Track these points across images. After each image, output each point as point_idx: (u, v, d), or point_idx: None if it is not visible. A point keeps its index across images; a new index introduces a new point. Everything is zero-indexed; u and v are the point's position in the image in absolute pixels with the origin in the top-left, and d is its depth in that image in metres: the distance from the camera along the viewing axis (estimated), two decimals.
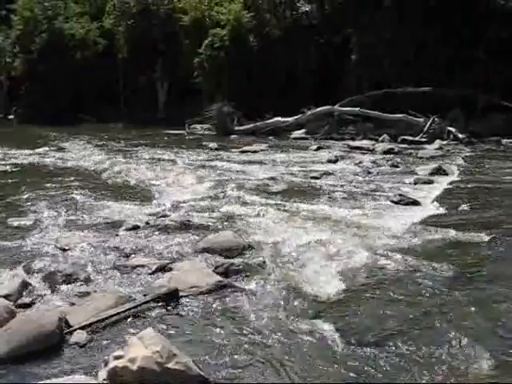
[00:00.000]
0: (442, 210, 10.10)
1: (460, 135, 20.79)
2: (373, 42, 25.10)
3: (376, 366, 4.70)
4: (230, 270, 6.79)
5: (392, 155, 17.60)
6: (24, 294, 6.16)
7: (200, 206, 10.36)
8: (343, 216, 9.48)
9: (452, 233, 8.37)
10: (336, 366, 4.71)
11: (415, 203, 10.56)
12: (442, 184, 12.65)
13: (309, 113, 23.51)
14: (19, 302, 5.92)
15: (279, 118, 24.04)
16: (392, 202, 10.60)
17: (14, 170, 15.12)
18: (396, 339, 5.11)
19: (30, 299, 6.01)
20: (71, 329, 5.30)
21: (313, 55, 27.07)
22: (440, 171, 14.00)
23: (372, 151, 18.62)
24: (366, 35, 25.61)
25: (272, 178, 13.32)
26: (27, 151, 18.54)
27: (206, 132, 25.37)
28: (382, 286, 6.40)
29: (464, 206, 10.28)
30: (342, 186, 12.40)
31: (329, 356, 4.87)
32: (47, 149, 19.48)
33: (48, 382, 4.23)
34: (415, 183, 12.65)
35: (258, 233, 8.48)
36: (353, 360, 4.79)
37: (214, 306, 5.90)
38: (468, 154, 17.95)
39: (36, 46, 32.18)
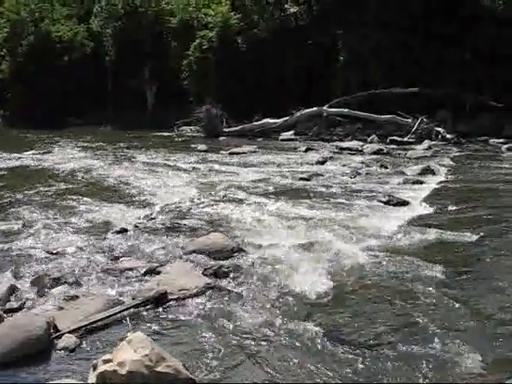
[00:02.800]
0: (430, 210, 10.13)
1: (448, 135, 20.89)
2: (360, 44, 25.18)
3: (365, 366, 4.71)
4: (219, 272, 6.78)
5: (381, 156, 17.66)
6: (12, 298, 6.13)
7: (189, 209, 10.34)
8: (332, 217, 9.49)
9: (440, 232, 8.40)
10: (325, 366, 4.71)
11: (404, 203, 10.58)
12: (430, 184, 12.68)
13: (297, 114, 23.55)
14: (7, 306, 5.89)
15: (268, 120, 24.07)
16: (381, 202, 10.62)
17: (1, 173, 15.01)
18: (385, 339, 5.13)
19: (18, 303, 5.97)
20: (60, 333, 5.27)
21: (301, 56, 27.08)
22: (428, 171, 14.04)
23: (361, 152, 18.66)
24: (353, 36, 25.69)
25: (261, 180, 13.32)
26: (15, 155, 18.41)
27: (195, 134, 25.35)
28: (371, 287, 6.41)
29: (452, 206, 10.32)
30: (330, 186, 12.41)
31: (318, 357, 4.87)
32: (35, 152, 19.37)
33: None
34: (404, 183, 12.69)
35: (247, 234, 8.47)
36: (341, 361, 4.80)
37: (203, 308, 5.89)
38: (456, 154, 18.02)
39: (23, 48, 32.02)
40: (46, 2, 34.01)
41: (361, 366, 4.72)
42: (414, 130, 21.20)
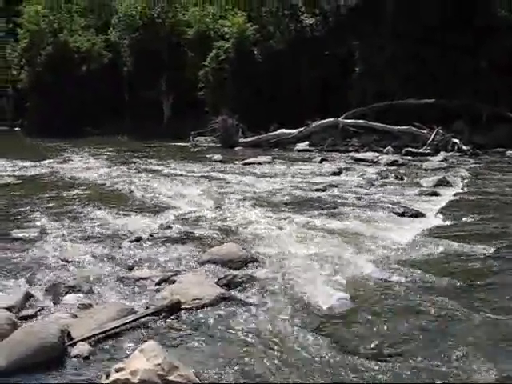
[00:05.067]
0: (446, 222, 10.07)
1: (464, 147, 20.80)
2: (375, 54, 25.19)
3: (377, 378, 4.67)
4: (233, 282, 6.77)
5: (396, 167, 17.61)
6: (27, 305, 6.17)
7: (204, 218, 10.36)
8: (347, 228, 9.45)
9: (456, 245, 8.34)
10: (337, 379, 4.68)
11: (419, 215, 10.52)
12: (446, 196, 12.61)
13: (313, 125, 23.57)
14: (22, 313, 5.92)
15: (283, 130, 24.11)
16: (396, 213, 10.57)
17: (19, 181, 15.15)
18: (398, 352, 5.08)
19: (33, 311, 6.01)
20: (73, 341, 5.29)
21: (317, 67, 27.13)
22: (444, 183, 13.96)
23: (376, 163, 18.61)
24: (368, 47, 25.71)
25: (276, 190, 13.33)
26: (32, 163, 18.61)
27: (211, 144, 25.44)
28: (384, 298, 6.37)
29: (468, 218, 10.25)
30: (345, 198, 12.38)
31: (330, 369, 4.83)
32: (52, 161, 19.56)
33: None
34: (419, 195, 12.63)
35: (261, 245, 8.46)
36: (354, 373, 4.76)
37: (217, 318, 5.88)
38: (472, 166, 17.92)
39: (41, 58, 32.38)
40: (64, 13, 34.40)
41: (373, 378, 4.68)
42: (429, 141, 21.12)
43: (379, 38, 25.25)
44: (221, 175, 16.04)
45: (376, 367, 4.83)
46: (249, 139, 24.47)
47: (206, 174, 16.22)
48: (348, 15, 27.18)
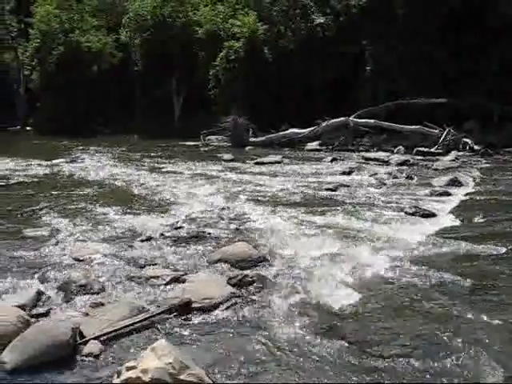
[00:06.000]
0: (457, 222, 10.03)
1: (476, 146, 20.70)
2: (387, 54, 25.12)
3: (390, 379, 4.66)
4: (243, 281, 6.78)
5: (407, 167, 17.55)
6: (39, 303, 6.22)
7: (214, 218, 10.38)
8: (358, 228, 9.44)
9: (467, 245, 8.31)
10: (349, 379, 4.68)
11: (430, 215, 10.49)
12: (457, 196, 12.56)
13: (324, 124, 23.51)
14: (34, 311, 5.97)
15: (294, 130, 24.08)
16: (407, 213, 10.54)
17: (30, 180, 15.25)
18: (410, 352, 5.07)
19: (45, 309, 6.06)
20: (85, 339, 5.32)
21: (328, 67, 27.09)
22: (455, 183, 13.90)
23: (387, 163, 18.55)
24: (379, 47, 25.64)
25: (286, 190, 13.33)
26: (44, 162, 18.72)
27: (221, 144, 25.46)
28: (395, 298, 6.36)
29: (479, 218, 10.20)
30: (356, 197, 12.36)
31: (341, 369, 4.83)
32: (63, 160, 19.65)
33: None
34: (430, 195, 12.57)
35: (272, 244, 8.47)
36: (365, 373, 4.76)
37: (227, 317, 5.89)
38: (484, 166, 17.83)
39: (53, 58, 32.53)
40: (76, 13, 34.55)
41: (383, 378, 4.68)
42: (441, 140, 21.02)
43: (390, 37, 25.17)
44: (231, 175, 16.06)
45: (387, 367, 4.83)
46: (259, 139, 24.47)
47: (216, 174, 16.24)
48: (359, 14, 27.10)
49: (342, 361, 4.96)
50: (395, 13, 25.30)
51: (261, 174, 16.25)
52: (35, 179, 15.56)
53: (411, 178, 15.00)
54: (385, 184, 14.16)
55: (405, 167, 17.43)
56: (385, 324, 5.71)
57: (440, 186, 13.58)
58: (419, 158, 19.52)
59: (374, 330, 5.58)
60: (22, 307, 5.89)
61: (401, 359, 4.95)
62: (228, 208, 11.23)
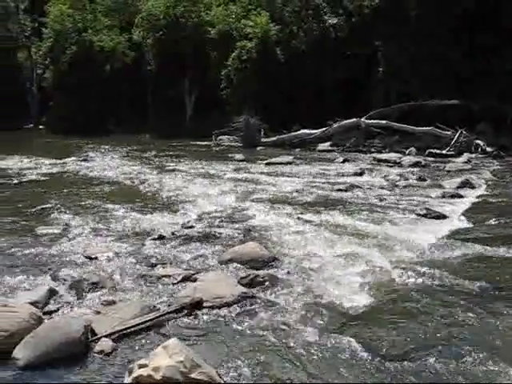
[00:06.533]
0: (469, 224, 9.99)
1: (488, 148, 20.58)
2: (399, 55, 25.04)
3: (401, 380, 4.65)
4: (254, 281, 6.79)
5: (419, 168, 17.48)
6: (51, 301, 6.25)
7: (225, 217, 10.39)
8: (369, 229, 9.42)
9: (479, 247, 8.28)
10: (360, 379, 4.67)
11: (442, 217, 10.45)
12: (469, 198, 12.51)
13: (335, 125, 23.48)
14: (46, 309, 6.01)
15: (305, 130, 24.07)
16: (418, 215, 10.50)
17: (42, 179, 15.36)
18: (422, 354, 5.05)
19: (57, 306, 6.10)
20: (97, 337, 5.35)
21: (340, 68, 27.06)
22: (468, 185, 13.84)
23: (399, 164, 18.49)
24: (392, 48, 25.56)
25: (298, 190, 13.32)
26: (56, 161, 18.82)
27: (233, 144, 25.46)
28: (407, 300, 6.33)
29: (492, 221, 10.15)
30: (368, 198, 12.33)
31: (352, 369, 4.83)
32: (76, 159, 19.75)
33: None
34: (442, 197, 12.53)
35: (283, 245, 8.48)
36: (378, 374, 4.75)
37: (238, 317, 5.90)
38: (496, 168, 17.74)
39: (66, 57, 32.69)
40: (89, 12, 34.72)
41: (397, 380, 4.67)
42: (453, 142, 20.92)
43: (403, 38, 25.08)
44: (243, 175, 16.07)
45: (397, 369, 4.81)
46: (271, 139, 24.48)
47: (228, 174, 16.25)
48: (372, 15, 27.03)
49: (354, 362, 4.95)
50: (408, 13, 25.21)
51: (272, 174, 16.25)
52: (47, 177, 15.66)
53: (423, 180, 14.95)
54: (396, 185, 14.12)
55: (416, 169, 17.36)
56: (397, 326, 5.69)
57: (452, 188, 13.52)
58: (431, 159, 19.43)
59: (385, 331, 5.57)
60: (35, 304, 5.92)
61: (414, 362, 4.93)
62: (239, 208, 11.24)
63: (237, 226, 9.73)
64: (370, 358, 5.00)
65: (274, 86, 27.55)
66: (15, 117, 34.05)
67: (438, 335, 5.44)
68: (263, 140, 24.52)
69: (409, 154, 20.42)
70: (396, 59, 25.40)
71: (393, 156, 19.84)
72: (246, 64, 28.79)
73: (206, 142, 25.81)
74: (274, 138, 24.42)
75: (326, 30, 28.83)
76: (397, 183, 14.42)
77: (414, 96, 23.47)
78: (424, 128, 21.80)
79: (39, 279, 6.91)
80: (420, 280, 6.90)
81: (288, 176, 15.88)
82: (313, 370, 4.82)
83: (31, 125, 36.53)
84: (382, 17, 26.03)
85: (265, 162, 18.98)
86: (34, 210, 11.15)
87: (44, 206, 11.34)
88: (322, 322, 5.74)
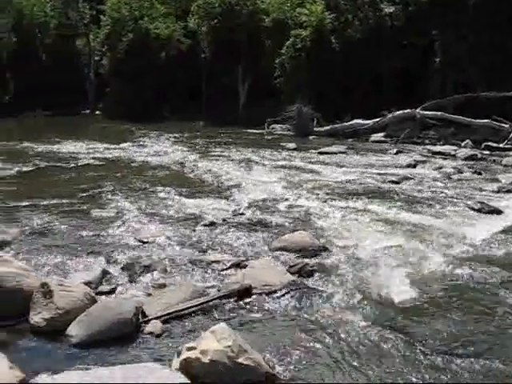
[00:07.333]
0: None
1: None
2: (457, 44, 24.44)
3: (446, 375, 4.60)
4: (303, 270, 6.81)
5: (474, 162, 17.06)
6: (104, 282, 6.44)
7: (276, 206, 10.43)
8: (421, 222, 9.28)
9: None
10: (404, 372, 4.64)
11: (497, 212, 10.20)
12: None
13: (389, 116, 23.13)
14: (99, 289, 6.19)
15: (359, 120, 23.79)
16: (472, 209, 10.28)
17: (98, 163, 15.71)
18: (468, 350, 4.99)
19: (110, 287, 6.27)
20: (147, 318, 5.47)
21: (396, 57, 26.61)
22: None
23: (453, 157, 18.09)
24: (449, 37, 24.97)
25: (349, 181, 13.22)
26: (111, 146, 19.20)
27: (285, 132, 25.39)
28: (456, 296, 6.24)
29: None
30: (420, 191, 12.14)
31: (396, 362, 4.80)
32: (130, 144, 20.10)
33: (124, 366, 4.37)
34: (498, 191, 12.21)
35: (333, 234, 8.46)
36: (422, 367, 4.71)
37: (286, 304, 5.94)
38: None
39: (123, 45, 33.21)
40: (145, 0, 35.14)
41: (442, 374, 4.62)
42: (511, 136, 20.34)
43: (461, 26, 24.46)
44: (295, 163, 16.04)
45: (445, 363, 4.76)
46: (323, 128, 24.28)
47: (279, 162, 16.25)
48: (429, 4, 26.44)
49: (404, 357, 4.91)
50: (466, 2, 24.52)
51: (324, 163, 16.16)
52: (102, 162, 16.00)
53: (478, 174, 14.60)
54: (450, 178, 13.84)
55: (472, 162, 16.95)
56: (446, 321, 5.62)
57: (508, 183, 13.12)
58: (487, 153, 18.92)
59: (432, 326, 5.50)
60: (89, 284, 6.11)
61: (458, 356, 4.88)
62: (289, 196, 11.25)
63: (287, 214, 9.76)
64: (420, 353, 4.95)
65: (329, 74, 27.30)
66: (73, 102, 34.79)
67: (485, 331, 5.35)
68: (316, 129, 24.36)
69: (464, 147, 19.93)
70: (453, 49, 24.77)
71: (448, 148, 19.42)
72: (300, 52, 28.60)
73: (258, 130, 25.81)
74: (327, 128, 24.21)
75: (381, 18, 28.34)
76: (451, 176, 14.13)
77: (471, 86, 22.88)
78: (481, 120, 21.23)
79: (93, 260, 7.11)
80: (472, 275, 6.78)
81: (340, 166, 15.76)
82: (359, 362, 4.82)
83: (88, 110, 37.24)
84: (439, 5, 25.42)
85: (317, 151, 18.86)
86: (89, 193, 11.44)
87: (99, 190, 11.64)
88: (371, 314, 5.72)
